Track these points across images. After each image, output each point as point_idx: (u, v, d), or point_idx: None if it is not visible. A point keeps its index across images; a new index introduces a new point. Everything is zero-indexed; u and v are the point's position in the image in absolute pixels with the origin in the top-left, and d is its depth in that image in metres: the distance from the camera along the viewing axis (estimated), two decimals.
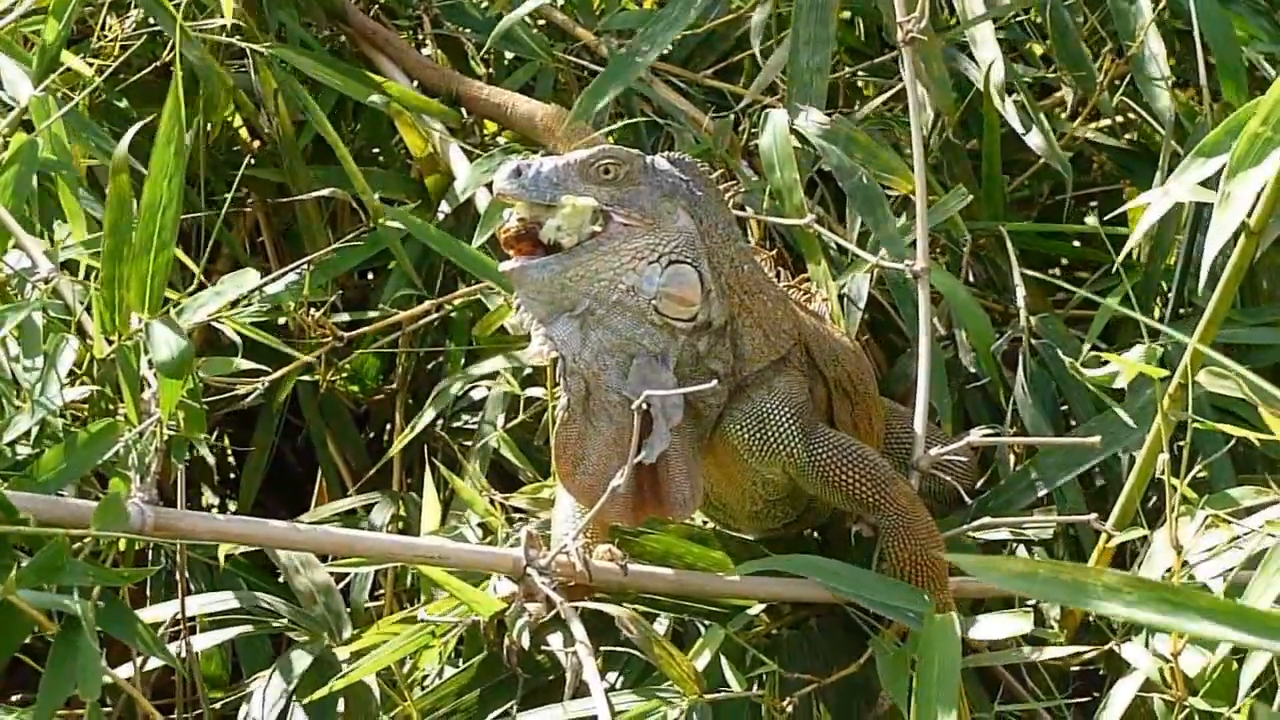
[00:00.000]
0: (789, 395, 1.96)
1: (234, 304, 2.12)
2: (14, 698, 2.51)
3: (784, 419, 1.94)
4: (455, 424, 2.54)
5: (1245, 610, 1.07)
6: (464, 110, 2.74)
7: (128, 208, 1.86)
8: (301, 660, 2.10)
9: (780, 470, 1.97)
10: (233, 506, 2.90)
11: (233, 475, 2.93)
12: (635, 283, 1.87)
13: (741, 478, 2.00)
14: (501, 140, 2.77)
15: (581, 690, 1.86)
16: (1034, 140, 2.58)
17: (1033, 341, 2.44)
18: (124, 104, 2.64)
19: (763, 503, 2.03)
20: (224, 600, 2.20)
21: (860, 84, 2.83)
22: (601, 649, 1.89)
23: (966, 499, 2.18)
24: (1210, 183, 1.79)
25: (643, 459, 1.85)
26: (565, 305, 1.86)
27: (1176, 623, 1.05)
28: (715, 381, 1.90)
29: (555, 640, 1.93)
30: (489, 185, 2.56)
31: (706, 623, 1.97)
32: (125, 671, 2.09)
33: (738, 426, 1.95)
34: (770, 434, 1.94)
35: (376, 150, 2.91)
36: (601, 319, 1.86)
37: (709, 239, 1.93)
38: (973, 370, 2.45)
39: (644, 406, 1.83)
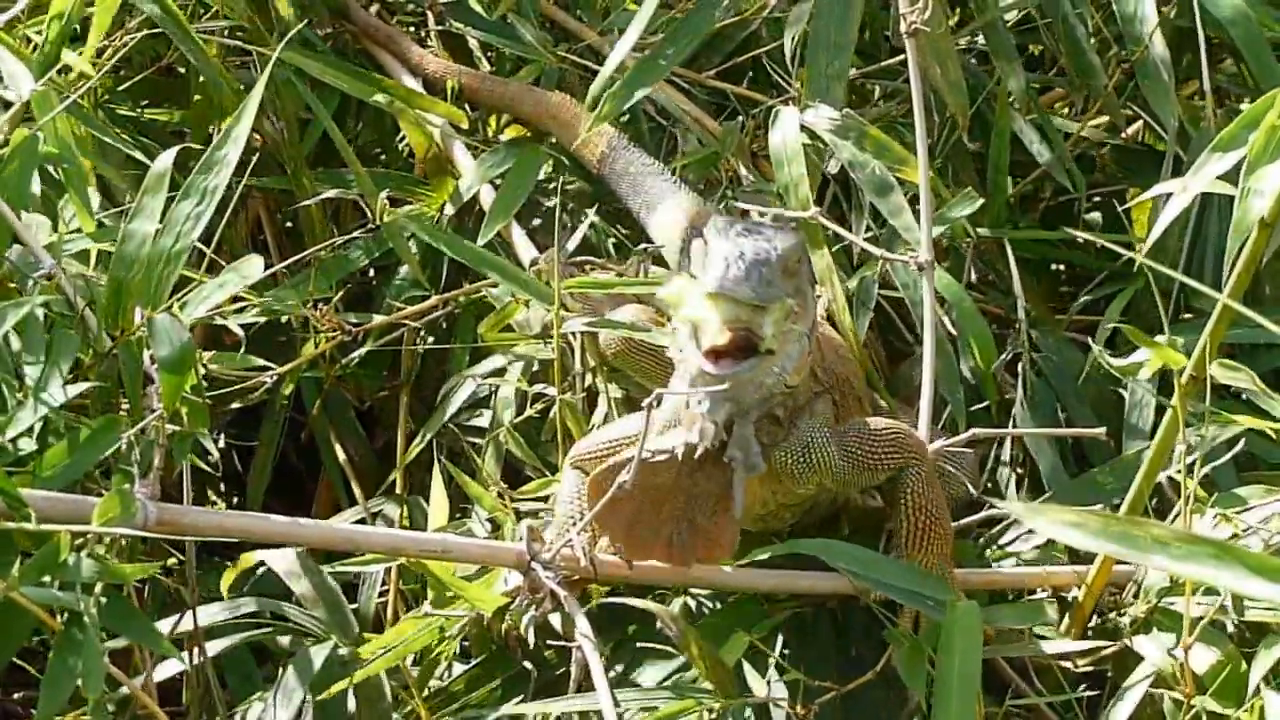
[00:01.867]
0: (825, 417, 2.00)
1: (236, 300, 2.11)
2: (15, 695, 2.50)
3: (824, 440, 1.97)
4: (460, 419, 2.52)
5: None
6: (469, 106, 2.72)
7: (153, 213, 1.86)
8: (310, 662, 2.09)
9: (816, 485, 1.99)
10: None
11: (238, 472, 2.91)
12: (784, 364, 1.87)
13: (762, 490, 2.00)
14: (504, 137, 2.76)
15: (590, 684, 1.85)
16: (1043, 154, 2.58)
17: (1033, 355, 2.43)
18: (127, 102, 2.63)
19: (775, 504, 2.04)
20: (229, 609, 2.18)
21: (866, 86, 2.81)
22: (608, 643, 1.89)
23: (972, 490, 2.18)
24: (1225, 178, 1.79)
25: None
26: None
27: (1225, 578, 1.04)
28: (778, 426, 1.93)
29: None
30: (492, 182, 2.56)
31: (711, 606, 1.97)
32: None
33: (786, 455, 1.96)
34: (814, 457, 1.96)
35: (379, 150, 2.89)
36: None
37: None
38: (974, 382, 2.43)
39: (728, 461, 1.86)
